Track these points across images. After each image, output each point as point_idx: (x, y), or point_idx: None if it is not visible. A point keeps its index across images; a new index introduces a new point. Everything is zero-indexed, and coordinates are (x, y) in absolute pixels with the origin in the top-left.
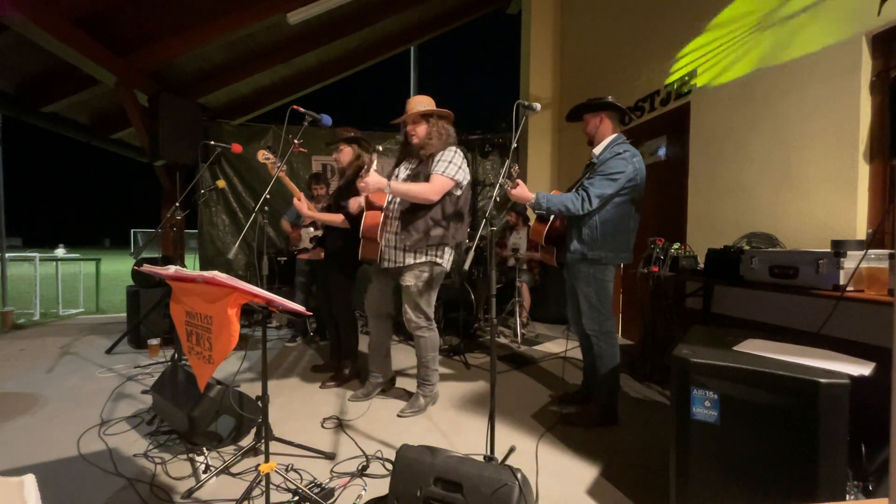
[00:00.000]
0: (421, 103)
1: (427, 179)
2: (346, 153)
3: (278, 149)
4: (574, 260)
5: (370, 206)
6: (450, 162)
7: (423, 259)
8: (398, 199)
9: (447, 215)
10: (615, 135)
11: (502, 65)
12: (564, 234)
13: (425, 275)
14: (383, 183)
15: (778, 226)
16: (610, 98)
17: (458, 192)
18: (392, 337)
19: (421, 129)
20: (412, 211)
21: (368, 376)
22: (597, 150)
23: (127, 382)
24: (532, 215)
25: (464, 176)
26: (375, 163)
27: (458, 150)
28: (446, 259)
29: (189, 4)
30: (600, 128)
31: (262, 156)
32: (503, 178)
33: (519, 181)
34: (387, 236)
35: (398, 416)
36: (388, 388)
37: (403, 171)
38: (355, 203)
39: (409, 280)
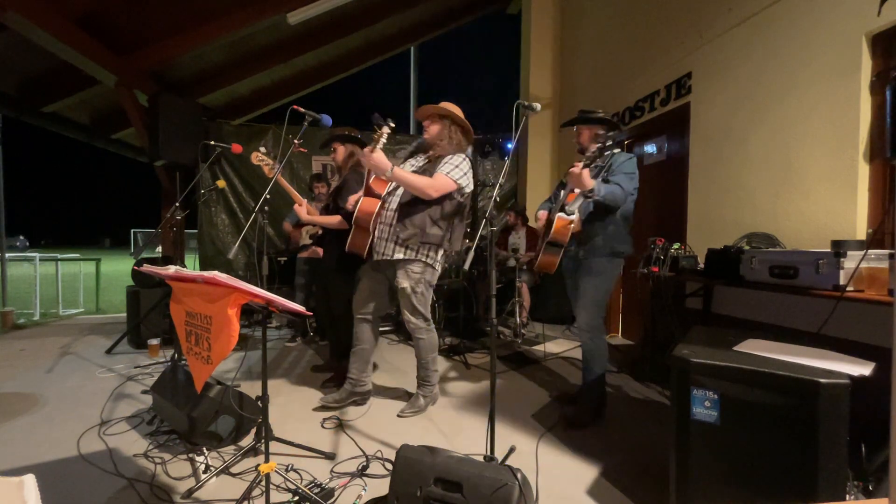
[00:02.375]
0: (447, 106)
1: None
2: (341, 152)
3: (278, 149)
4: (599, 255)
5: (369, 192)
6: (456, 166)
7: (414, 257)
8: (398, 191)
9: (446, 216)
10: None
11: (502, 65)
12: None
13: (417, 275)
14: (387, 165)
15: (778, 226)
16: (601, 113)
17: (460, 198)
18: (377, 341)
19: (434, 128)
20: (412, 204)
21: (345, 382)
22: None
23: (127, 382)
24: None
25: (467, 182)
26: (385, 137)
27: (467, 159)
28: (438, 262)
29: (189, 4)
30: (594, 139)
31: (257, 158)
32: (588, 159)
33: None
34: (380, 227)
35: (398, 416)
36: (362, 402)
37: (409, 167)
38: (353, 199)
39: (403, 282)
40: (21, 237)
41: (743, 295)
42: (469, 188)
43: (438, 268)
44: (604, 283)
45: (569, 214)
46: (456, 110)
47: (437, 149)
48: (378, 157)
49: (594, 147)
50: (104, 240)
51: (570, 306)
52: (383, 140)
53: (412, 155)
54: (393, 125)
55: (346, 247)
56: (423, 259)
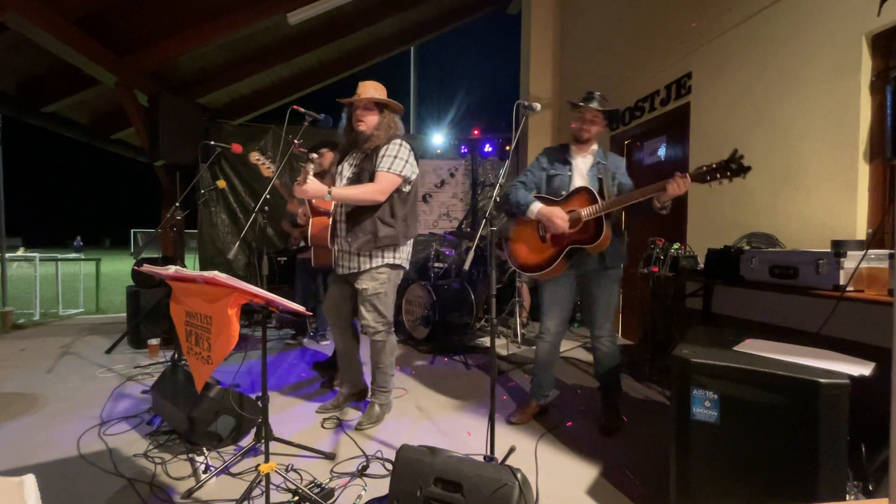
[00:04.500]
0: (377, 90)
1: (372, 177)
2: (328, 158)
3: (278, 149)
4: (616, 265)
5: (315, 212)
6: (395, 157)
7: (380, 262)
8: (340, 204)
9: (395, 214)
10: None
11: (502, 65)
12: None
13: (383, 276)
14: (323, 190)
15: (778, 226)
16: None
17: (407, 188)
18: (359, 342)
19: (371, 119)
20: (358, 212)
21: (339, 387)
22: (594, 149)
23: (127, 382)
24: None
25: (411, 171)
26: (312, 169)
27: (404, 143)
28: (404, 258)
29: (189, 4)
30: (599, 133)
31: (255, 157)
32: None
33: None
34: (339, 242)
35: (356, 428)
36: (360, 399)
37: (348, 168)
38: (304, 215)
39: (365, 283)
40: (78, 237)
41: (743, 295)
42: (414, 174)
43: (406, 264)
44: (618, 288)
45: (609, 219)
46: (384, 92)
47: (373, 140)
48: (311, 186)
49: (721, 167)
50: (104, 240)
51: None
52: (311, 174)
53: (349, 149)
54: (314, 155)
55: (313, 264)
56: (390, 262)
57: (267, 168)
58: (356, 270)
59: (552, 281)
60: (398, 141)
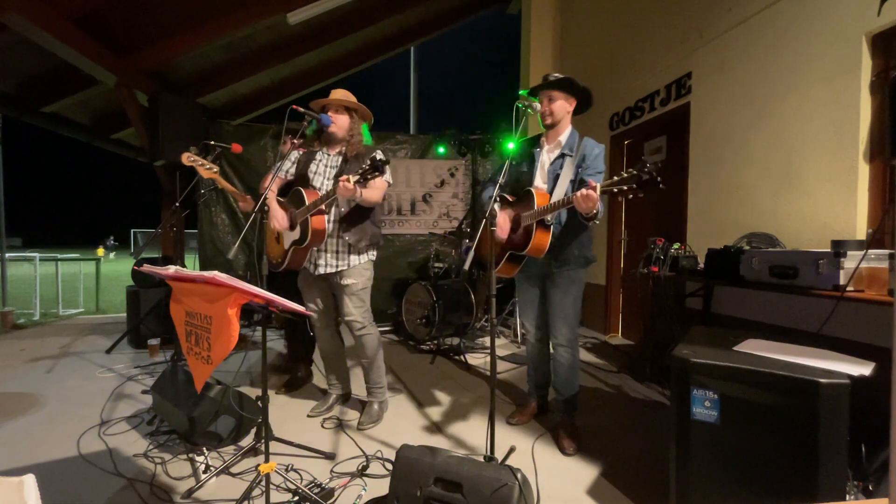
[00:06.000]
0: (348, 96)
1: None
2: (288, 145)
3: (278, 149)
4: (575, 265)
5: (318, 211)
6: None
7: (365, 259)
8: (335, 204)
9: (376, 215)
10: (571, 126)
11: (502, 65)
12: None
13: (368, 272)
14: (357, 192)
15: (778, 226)
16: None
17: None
18: (343, 342)
19: (344, 120)
20: (357, 213)
21: (328, 388)
22: (562, 139)
23: (127, 382)
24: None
25: (392, 179)
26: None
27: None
28: (375, 256)
29: (189, 4)
30: (568, 115)
31: (188, 158)
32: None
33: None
34: (329, 242)
35: (358, 429)
36: (346, 401)
37: (323, 167)
38: (284, 222)
39: (354, 278)
40: (111, 237)
41: (743, 295)
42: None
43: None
44: (580, 293)
45: (548, 225)
46: (354, 100)
47: (350, 146)
48: (357, 188)
49: (629, 177)
50: (105, 239)
51: None
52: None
53: (319, 148)
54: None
55: (284, 266)
56: (369, 258)
57: (206, 169)
58: (345, 268)
59: (520, 281)
60: (379, 151)
